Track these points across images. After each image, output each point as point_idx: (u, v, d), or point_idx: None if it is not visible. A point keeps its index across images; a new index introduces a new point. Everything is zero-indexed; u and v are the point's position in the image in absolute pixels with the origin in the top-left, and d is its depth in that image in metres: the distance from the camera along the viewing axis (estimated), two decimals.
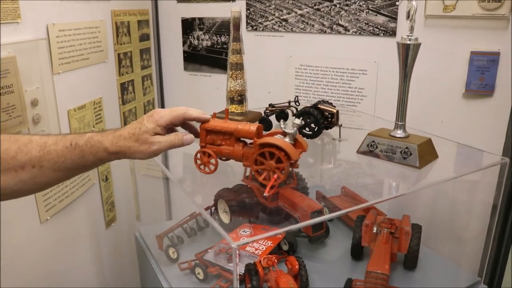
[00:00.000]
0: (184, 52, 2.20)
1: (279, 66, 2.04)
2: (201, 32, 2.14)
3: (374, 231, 1.46)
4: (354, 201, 1.75)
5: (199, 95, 2.23)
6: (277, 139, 1.11)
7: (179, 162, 1.60)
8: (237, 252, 0.90)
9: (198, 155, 1.21)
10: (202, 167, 1.22)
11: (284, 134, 1.15)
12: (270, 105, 1.56)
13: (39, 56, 1.46)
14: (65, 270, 1.68)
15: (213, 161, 1.20)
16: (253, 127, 1.15)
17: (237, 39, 1.55)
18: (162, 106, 2.30)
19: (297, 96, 1.56)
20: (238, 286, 0.95)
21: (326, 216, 1.23)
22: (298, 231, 1.54)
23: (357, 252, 1.50)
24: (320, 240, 1.55)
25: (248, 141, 1.19)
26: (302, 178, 1.64)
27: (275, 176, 1.12)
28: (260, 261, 1.31)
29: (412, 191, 1.28)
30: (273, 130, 1.20)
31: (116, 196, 2.00)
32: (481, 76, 1.69)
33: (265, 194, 1.11)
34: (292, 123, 1.15)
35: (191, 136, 1.13)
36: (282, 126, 1.14)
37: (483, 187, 1.50)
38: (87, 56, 1.72)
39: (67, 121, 1.64)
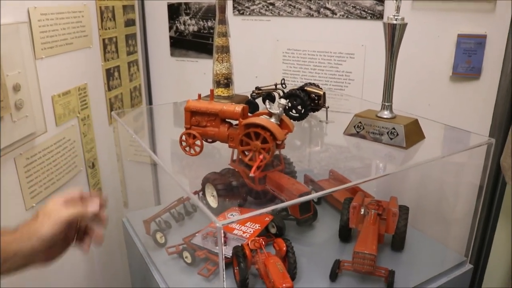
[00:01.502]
0: (171, 37, 2.18)
1: (266, 50, 2.03)
2: (187, 17, 2.11)
3: (362, 213, 1.46)
4: (342, 184, 1.76)
5: (186, 81, 2.21)
6: (263, 119, 1.11)
7: (166, 147, 1.59)
8: (222, 231, 0.90)
9: (184, 137, 1.21)
10: (187, 149, 1.21)
11: (270, 114, 1.14)
12: (257, 88, 1.55)
13: (20, 40, 1.43)
14: None
15: (198, 142, 1.19)
16: (238, 107, 1.15)
17: (223, 21, 1.53)
18: (149, 92, 2.28)
19: (283, 79, 1.55)
20: (224, 267, 0.95)
21: (313, 195, 1.23)
22: (286, 214, 1.54)
23: (345, 234, 1.51)
24: (308, 223, 1.55)
25: (234, 122, 1.19)
26: (290, 161, 1.64)
27: (261, 156, 1.11)
28: (248, 244, 1.30)
29: (399, 170, 1.28)
30: (259, 111, 1.19)
31: (104, 183, 1.98)
32: (468, 59, 1.69)
33: (251, 174, 1.10)
34: (278, 104, 1.14)
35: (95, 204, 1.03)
36: (268, 106, 1.14)
37: (470, 168, 1.51)
38: (71, 41, 1.69)
39: (51, 107, 1.61)
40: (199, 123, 1.19)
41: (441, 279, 1.39)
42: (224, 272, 0.93)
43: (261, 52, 2.04)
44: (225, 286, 0.95)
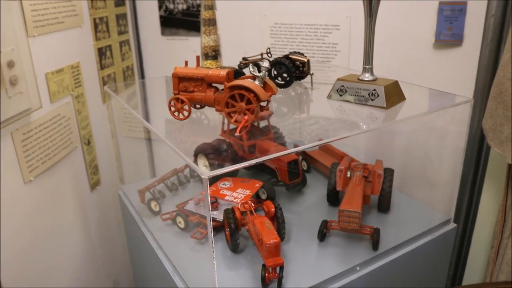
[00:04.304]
0: (161, 16, 2.21)
1: (254, 25, 2.06)
2: None
3: (348, 176, 1.51)
4: (330, 152, 1.81)
5: (177, 59, 2.22)
6: (247, 81, 1.15)
7: (160, 118, 1.63)
8: (207, 182, 0.95)
9: (172, 102, 1.25)
10: (176, 113, 1.26)
11: (254, 77, 1.19)
12: (244, 58, 1.59)
13: (12, 17, 1.46)
14: (51, 230, 1.72)
15: (186, 107, 1.23)
16: (223, 72, 1.19)
17: None
18: (142, 71, 2.32)
19: (268, 48, 1.59)
20: (212, 224, 1.00)
21: (293, 150, 1.28)
22: (276, 180, 1.59)
23: (333, 198, 1.56)
24: (297, 188, 1.60)
25: (221, 87, 1.23)
26: (279, 131, 1.69)
27: (246, 117, 1.15)
28: (238, 207, 1.36)
29: (376, 128, 1.32)
30: (243, 76, 1.23)
31: (100, 159, 2.04)
32: (450, 26, 1.73)
33: (237, 134, 1.15)
34: (261, 67, 1.18)
35: None
36: (251, 69, 1.18)
37: (454, 131, 1.55)
38: (62, 19, 1.73)
39: (45, 84, 1.66)
40: (186, 89, 1.24)
41: (425, 237, 1.44)
42: (211, 222, 0.98)
43: (249, 27, 2.08)
44: (212, 237, 0.99)
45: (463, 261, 1.97)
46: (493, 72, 1.66)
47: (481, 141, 1.77)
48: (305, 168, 1.83)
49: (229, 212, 1.33)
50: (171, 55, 2.25)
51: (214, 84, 1.23)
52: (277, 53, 2.03)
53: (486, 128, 1.58)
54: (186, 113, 1.24)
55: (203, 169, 1.61)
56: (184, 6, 2.15)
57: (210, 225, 0.98)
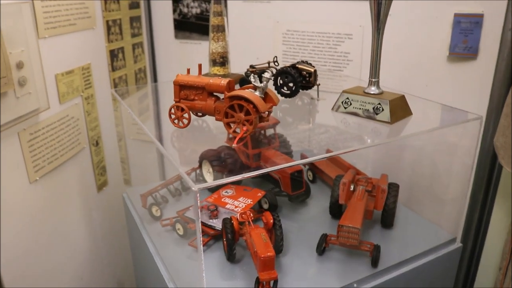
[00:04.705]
0: (175, 20, 2.22)
1: (266, 32, 2.05)
2: (190, 0, 2.15)
3: (352, 189, 1.48)
4: (337, 164, 1.78)
5: (190, 63, 2.23)
6: (246, 92, 1.13)
7: (169, 128, 1.63)
8: (198, 195, 0.94)
9: (172, 110, 1.25)
10: (176, 121, 1.25)
11: (255, 88, 1.17)
12: (251, 66, 1.58)
13: (23, 19, 1.48)
14: (56, 229, 1.73)
15: (186, 115, 1.23)
16: (224, 81, 1.18)
17: (218, 1, 1.56)
18: (154, 74, 2.33)
19: (275, 57, 1.57)
20: (201, 232, 0.99)
21: (300, 161, 1.26)
22: (279, 190, 1.57)
23: (335, 210, 1.53)
24: (300, 199, 1.58)
25: (222, 96, 1.22)
26: (286, 140, 1.67)
27: (245, 128, 1.14)
28: (237, 217, 1.34)
29: (379, 143, 1.29)
30: (245, 85, 1.22)
31: (108, 160, 2.05)
32: (465, 39, 1.69)
33: (234, 145, 1.13)
34: (262, 77, 1.17)
35: None
36: (252, 80, 1.17)
37: (464, 147, 1.51)
38: (74, 22, 1.75)
39: (55, 85, 1.68)
40: (187, 97, 1.23)
41: (428, 256, 1.40)
42: (200, 235, 0.97)
43: (262, 33, 2.06)
44: (200, 242, 0.99)
45: (470, 282, 1.91)
46: (508, 87, 1.61)
47: (493, 159, 1.71)
48: (310, 178, 1.81)
49: (227, 222, 1.31)
50: (183, 58, 2.25)
51: (216, 93, 1.22)
52: (288, 61, 2.01)
53: (498, 146, 1.53)
54: (185, 121, 1.23)
55: (207, 177, 1.60)
56: (198, 10, 2.15)
57: (199, 237, 0.97)
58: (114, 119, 1.87)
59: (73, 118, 1.78)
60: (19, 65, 1.47)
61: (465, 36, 1.68)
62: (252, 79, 1.16)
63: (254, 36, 2.06)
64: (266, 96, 1.19)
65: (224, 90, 1.17)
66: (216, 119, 1.21)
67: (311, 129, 1.49)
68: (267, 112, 1.21)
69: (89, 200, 1.94)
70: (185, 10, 2.18)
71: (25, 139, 1.54)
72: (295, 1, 1.95)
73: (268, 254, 1.16)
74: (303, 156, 1.79)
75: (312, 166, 1.82)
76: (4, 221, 1.47)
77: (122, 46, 2.07)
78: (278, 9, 1.99)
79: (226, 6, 2.02)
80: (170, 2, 2.20)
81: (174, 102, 1.25)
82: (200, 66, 1.26)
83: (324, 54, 1.95)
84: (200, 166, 1.63)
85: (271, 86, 1.56)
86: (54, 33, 1.65)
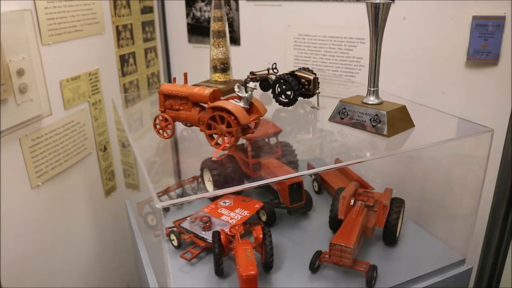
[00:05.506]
0: (188, 24, 2.19)
1: (278, 36, 1.99)
2: (203, 4, 2.12)
3: (352, 204, 1.40)
4: (344, 174, 1.70)
5: (203, 67, 2.21)
6: (228, 103, 1.09)
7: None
8: (162, 212, 0.90)
9: (157, 120, 1.22)
10: (161, 131, 1.22)
11: (239, 98, 1.12)
12: (251, 73, 1.53)
13: (25, 27, 1.50)
14: (60, 233, 1.75)
15: (170, 126, 1.19)
16: (208, 91, 1.14)
17: (218, 5, 1.53)
18: (169, 78, 2.31)
19: (275, 63, 1.51)
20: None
21: (298, 173, 1.20)
22: (278, 202, 1.51)
23: (336, 225, 1.45)
24: (299, 212, 1.51)
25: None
26: (291, 149, 1.60)
27: (226, 140, 1.09)
28: (226, 230, 1.30)
29: (361, 161, 1.20)
30: (230, 95, 1.17)
31: (116, 165, 2.05)
32: (484, 43, 1.57)
33: (214, 158, 1.09)
34: (247, 87, 1.12)
35: None
36: (237, 90, 1.11)
37: (475, 161, 1.40)
38: (81, 28, 1.76)
39: (59, 91, 1.68)
40: (172, 106, 1.20)
41: (432, 278, 1.30)
42: (166, 248, 0.93)
43: (273, 37, 2.01)
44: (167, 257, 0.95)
45: None
46: None
47: None
48: (316, 189, 1.74)
49: (215, 236, 1.27)
50: (196, 63, 2.23)
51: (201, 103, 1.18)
52: (300, 65, 1.94)
53: None
54: (169, 132, 1.20)
55: (208, 185, 1.56)
56: (211, 15, 2.12)
57: (164, 246, 0.93)
58: (115, 124, 1.87)
59: (79, 123, 1.79)
60: (20, 72, 1.49)
61: (484, 40, 1.56)
62: (236, 89, 1.11)
63: (265, 40, 2.01)
64: (251, 107, 1.13)
65: (207, 100, 1.13)
66: (201, 130, 1.17)
67: (312, 138, 1.42)
68: (255, 123, 1.16)
69: (96, 205, 1.94)
70: (198, 14, 2.15)
71: (27, 144, 1.55)
72: (307, 5, 1.88)
73: (250, 272, 1.11)
74: (309, 166, 1.72)
75: (318, 177, 1.74)
76: (4, 225, 1.48)
77: (133, 51, 2.06)
78: (290, 13, 1.93)
79: (237, 9, 1.97)
80: (184, 6, 2.18)
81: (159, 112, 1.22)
82: (185, 74, 1.22)
83: (336, 59, 1.87)
84: (201, 174, 1.60)
85: (269, 94, 1.51)
86: (59, 40, 1.66)
